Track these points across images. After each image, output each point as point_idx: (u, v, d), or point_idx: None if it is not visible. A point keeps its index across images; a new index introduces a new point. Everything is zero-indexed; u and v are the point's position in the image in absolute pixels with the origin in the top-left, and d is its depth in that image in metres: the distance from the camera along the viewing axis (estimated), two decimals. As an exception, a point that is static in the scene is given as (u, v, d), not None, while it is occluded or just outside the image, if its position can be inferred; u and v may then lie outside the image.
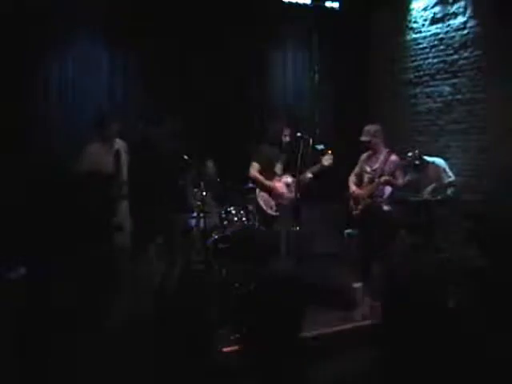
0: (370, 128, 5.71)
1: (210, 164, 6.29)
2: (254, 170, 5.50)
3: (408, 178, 6.22)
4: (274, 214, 5.53)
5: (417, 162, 5.76)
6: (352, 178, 5.87)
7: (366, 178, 5.75)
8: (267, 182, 5.52)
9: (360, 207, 5.66)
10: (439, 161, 6.17)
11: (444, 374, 2.26)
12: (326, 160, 5.44)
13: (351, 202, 5.79)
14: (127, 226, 5.16)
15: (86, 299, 3.77)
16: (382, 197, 5.68)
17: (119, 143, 5.21)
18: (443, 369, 2.26)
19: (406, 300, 2.76)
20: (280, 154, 5.56)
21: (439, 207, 5.95)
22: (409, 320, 2.65)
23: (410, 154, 5.68)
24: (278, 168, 5.57)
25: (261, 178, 5.50)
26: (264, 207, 5.54)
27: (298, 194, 5.33)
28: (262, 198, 5.56)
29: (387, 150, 5.71)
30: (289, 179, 5.54)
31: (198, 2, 6.50)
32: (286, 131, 5.50)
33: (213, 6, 6.57)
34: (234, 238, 5.38)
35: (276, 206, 5.51)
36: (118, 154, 5.10)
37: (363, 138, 5.68)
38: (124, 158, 5.21)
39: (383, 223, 5.58)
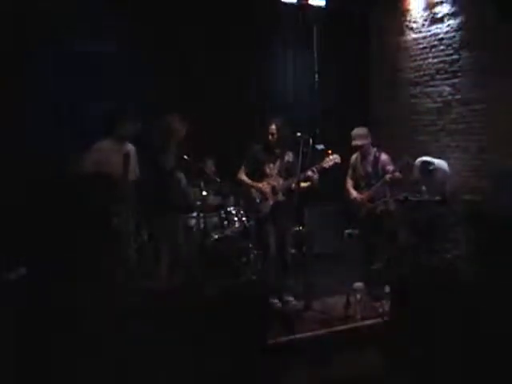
0: (360, 131, 5.66)
1: (209, 163, 6.29)
2: (241, 172, 5.41)
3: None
4: (257, 216, 5.40)
5: (430, 168, 5.94)
6: (350, 182, 5.81)
7: (362, 182, 5.73)
8: (251, 184, 5.36)
9: (362, 212, 5.65)
10: (444, 164, 6.20)
11: (443, 374, 2.26)
12: (327, 162, 5.22)
13: (353, 205, 5.75)
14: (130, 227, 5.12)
15: (87, 299, 3.76)
16: (384, 196, 5.67)
17: (129, 146, 5.08)
18: (442, 369, 2.26)
19: (406, 300, 2.76)
20: (275, 155, 5.37)
21: (439, 207, 5.95)
22: (409, 320, 2.66)
23: (401, 160, 5.64)
24: (271, 169, 5.36)
25: (245, 180, 5.38)
26: (246, 209, 5.51)
27: (298, 194, 5.26)
28: (244, 200, 5.51)
29: (375, 149, 5.69)
30: (277, 182, 5.32)
31: (199, 1, 6.51)
32: (272, 129, 5.25)
33: (213, 6, 6.57)
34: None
35: (262, 207, 5.33)
36: (127, 155, 4.94)
37: (356, 143, 5.60)
38: (134, 161, 5.10)
39: (386, 224, 5.58)
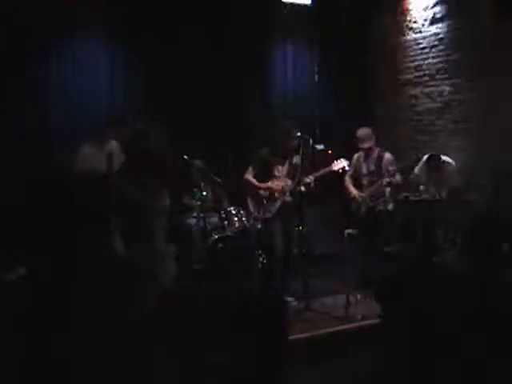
0: (366, 132, 5.72)
1: (198, 163, 6.26)
2: (248, 173, 5.44)
3: (413, 177, 6.26)
4: (264, 216, 5.40)
5: (440, 161, 6.01)
6: (348, 180, 5.86)
7: (364, 180, 5.78)
8: (259, 185, 5.39)
9: (363, 210, 5.69)
10: (452, 161, 6.24)
11: (441, 374, 2.26)
12: (335, 166, 5.29)
13: (353, 205, 5.80)
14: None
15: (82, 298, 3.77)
16: (383, 196, 5.71)
17: (112, 144, 5.23)
18: (441, 369, 2.26)
19: (405, 300, 2.75)
20: (284, 157, 5.41)
21: (439, 207, 5.97)
22: (408, 320, 2.65)
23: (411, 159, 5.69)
24: (280, 170, 5.40)
25: (253, 181, 5.40)
26: (252, 210, 5.48)
27: (299, 195, 5.26)
28: (251, 200, 5.48)
29: (378, 148, 5.76)
30: (285, 182, 5.35)
31: (198, 1, 6.50)
32: (293, 133, 5.28)
33: (213, 6, 6.57)
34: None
35: (270, 208, 5.37)
36: (110, 155, 5.10)
37: (366, 145, 5.70)
38: (117, 159, 5.21)
39: (386, 224, 5.61)
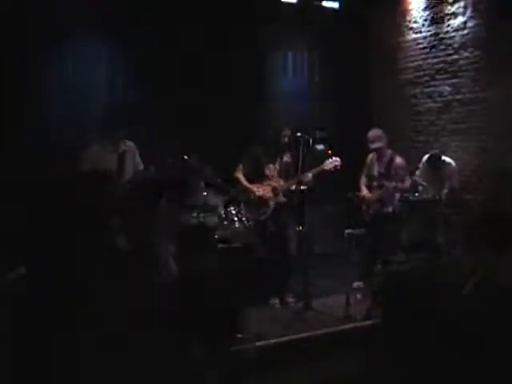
0: (377, 133, 5.69)
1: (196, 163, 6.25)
2: (238, 171, 5.39)
3: (415, 178, 6.27)
4: (259, 219, 5.36)
5: (440, 161, 6.07)
6: (363, 181, 5.86)
7: (374, 182, 5.76)
8: (247, 185, 5.37)
9: (371, 211, 5.68)
10: (452, 161, 6.25)
11: (441, 374, 2.26)
12: (327, 165, 5.27)
13: (363, 205, 5.78)
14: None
15: (86, 298, 3.76)
16: (392, 199, 5.71)
17: (128, 144, 5.16)
18: (441, 368, 2.26)
19: (406, 300, 2.76)
20: (275, 156, 5.39)
21: (439, 207, 5.97)
22: (408, 320, 2.66)
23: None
24: (271, 170, 5.38)
25: (242, 180, 5.38)
26: (247, 212, 5.43)
27: (296, 195, 5.24)
28: (245, 202, 5.44)
29: (390, 151, 5.72)
30: (277, 183, 5.34)
31: (198, 1, 6.50)
32: (285, 131, 5.31)
33: (212, 6, 6.57)
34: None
35: (264, 210, 5.32)
36: (122, 155, 5.06)
37: (374, 146, 5.65)
38: (131, 159, 5.17)
39: (391, 226, 5.62)
